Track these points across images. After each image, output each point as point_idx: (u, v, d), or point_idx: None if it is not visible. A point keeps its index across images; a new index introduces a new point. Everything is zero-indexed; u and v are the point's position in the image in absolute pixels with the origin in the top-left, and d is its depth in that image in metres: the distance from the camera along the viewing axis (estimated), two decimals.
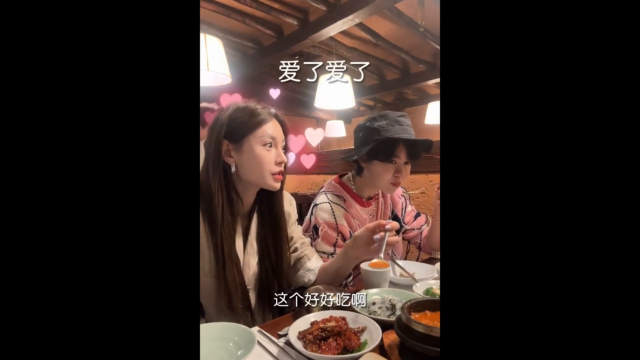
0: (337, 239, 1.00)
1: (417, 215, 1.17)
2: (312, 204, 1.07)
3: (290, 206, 0.87)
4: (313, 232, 1.03)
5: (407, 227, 1.15)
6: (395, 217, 1.14)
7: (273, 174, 0.74)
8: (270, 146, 0.74)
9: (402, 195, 1.17)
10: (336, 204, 1.03)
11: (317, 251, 0.96)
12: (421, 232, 1.15)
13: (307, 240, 0.91)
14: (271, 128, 0.74)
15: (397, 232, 1.12)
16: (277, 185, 0.75)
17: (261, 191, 0.79)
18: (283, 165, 0.75)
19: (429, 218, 1.17)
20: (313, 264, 0.84)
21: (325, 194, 1.05)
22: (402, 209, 1.16)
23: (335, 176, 1.12)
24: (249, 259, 0.77)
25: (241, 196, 0.76)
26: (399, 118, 0.99)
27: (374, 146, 0.97)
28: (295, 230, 0.87)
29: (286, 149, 0.79)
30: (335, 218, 1.01)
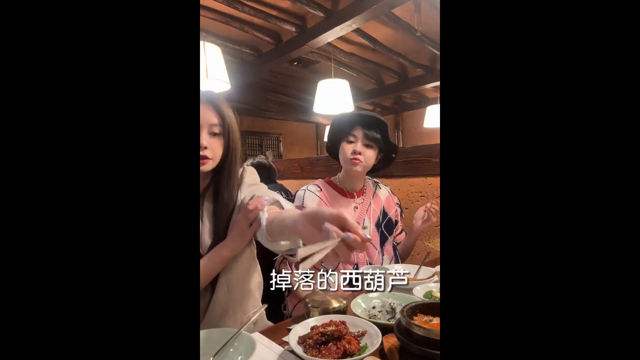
0: None
1: (402, 231, 1.23)
2: None
3: (250, 175, 0.85)
4: None
5: (395, 235, 1.20)
6: (389, 220, 1.18)
7: None
8: None
9: (397, 203, 1.22)
10: (310, 191, 1.12)
11: None
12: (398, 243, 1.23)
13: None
14: None
15: (389, 234, 1.17)
16: (203, 168, 0.74)
17: (214, 176, 0.80)
18: (204, 149, 0.72)
19: (405, 233, 1.24)
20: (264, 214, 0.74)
21: (307, 185, 1.15)
22: (398, 216, 1.21)
23: None
24: (203, 237, 0.78)
25: None
26: (359, 111, 1.16)
27: (334, 129, 1.10)
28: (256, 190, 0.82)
29: (224, 133, 0.76)
30: (303, 202, 1.11)
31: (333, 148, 1.14)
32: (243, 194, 0.82)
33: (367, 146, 1.06)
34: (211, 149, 0.74)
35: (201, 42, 1.82)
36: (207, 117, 0.74)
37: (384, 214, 1.17)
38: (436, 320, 0.58)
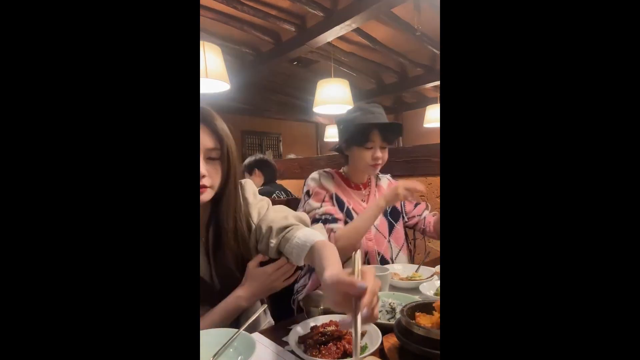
0: (325, 195, 1.11)
1: (417, 204, 1.26)
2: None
3: (249, 193, 0.79)
4: (305, 196, 1.12)
5: (409, 215, 1.23)
6: (394, 208, 1.20)
7: None
8: None
9: None
10: (324, 176, 1.16)
11: (306, 211, 1.07)
12: (424, 218, 1.22)
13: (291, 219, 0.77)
14: None
15: (396, 221, 1.19)
16: (202, 197, 0.65)
17: (213, 207, 0.72)
18: (201, 177, 0.63)
19: (428, 205, 1.26)
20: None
21: (320, 170, 1.19)
22: (402, 201, 1.22)
23: None
24: (213, 280, 0.73)
25: None
26: (372, 108, 1.11)
27: (350, 134, 1.09)
28: (265, 215, 0.78)
29: (223, 158, 0.67)
30: (321, 181, 1.14)
31: (346, 148, 1.14)
32: (254, 214, 0.77)
33: (383, 148, 1.10)
34: (209, 177, 0.65)
35: (201, 42, 1.82)
36: (203, 141, 0.64)
37: None
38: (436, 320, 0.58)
